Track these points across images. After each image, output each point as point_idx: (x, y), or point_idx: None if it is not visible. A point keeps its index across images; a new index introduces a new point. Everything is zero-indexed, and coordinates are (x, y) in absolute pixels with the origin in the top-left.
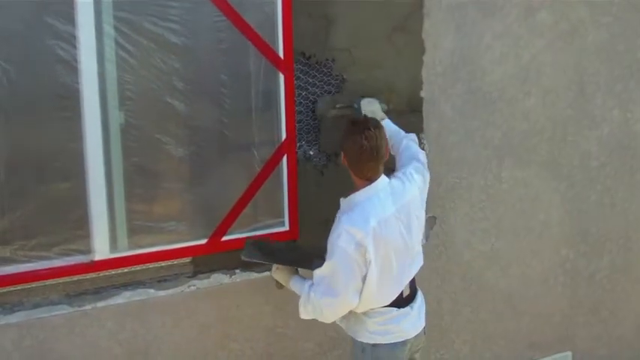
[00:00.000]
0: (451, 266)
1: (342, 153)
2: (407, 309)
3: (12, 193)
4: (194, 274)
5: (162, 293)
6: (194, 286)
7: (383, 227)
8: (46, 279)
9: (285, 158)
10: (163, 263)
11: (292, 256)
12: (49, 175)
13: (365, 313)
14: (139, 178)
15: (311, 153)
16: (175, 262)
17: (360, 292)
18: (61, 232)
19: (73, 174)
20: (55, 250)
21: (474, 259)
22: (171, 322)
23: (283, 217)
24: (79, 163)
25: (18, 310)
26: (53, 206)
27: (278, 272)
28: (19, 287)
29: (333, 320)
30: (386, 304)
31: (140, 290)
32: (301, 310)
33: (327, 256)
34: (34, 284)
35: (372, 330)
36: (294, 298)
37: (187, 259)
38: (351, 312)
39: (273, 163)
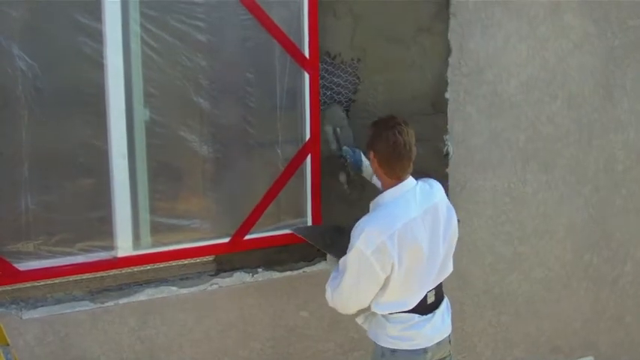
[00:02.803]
0: (473, 269)
1: (371, 153)
2: (429, 316)
3: (36, 189)
4: (216, 273)
5: (184, 291)
6: (216, 284)
7: (408, 230)
8: (69, 275)
9: (309, 157)
10: (186, 261)
11: (332, 241)
12: (73, 171)
13: (387, 318)
14: (162, 175)
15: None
16: (198, 260)
17: (378, 295)
18: (84, 228)
19: (98, 170)
20: (78, 247)
21: (496, 262)
22: (193, 320)
23: (306, 216)
24: (103, 160)
25: (41, 306)
26: (77, 203)
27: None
28: (42, 283)
29: (349, 313)
30: (407, 310)
31: (162, 288)
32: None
33: (347, 253)
34: (57, 280)
35: (392, 335)
36: (316, 297)
37: (210, 258)
38: (373, 314)
39: (296, 162)
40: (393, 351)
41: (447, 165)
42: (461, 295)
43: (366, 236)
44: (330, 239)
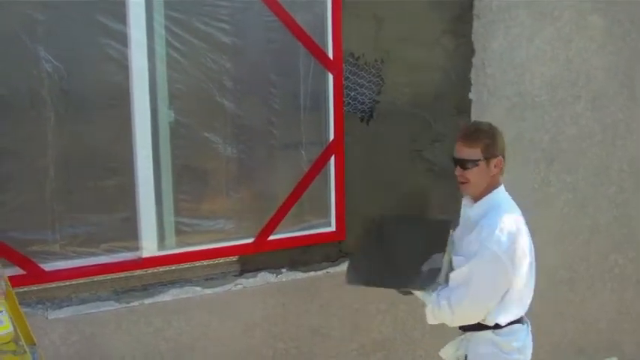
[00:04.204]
0: None
1: (498, 158)
2: (527, 322)
3: (62, 190)
4: (241, 273)
5: (208, 291)
6: (240, 284)
7: (523, 225)
8: (94, 275)
9: (332, 158)
10: (210, 261)
11: (393, 275)
12: (98, 172)
13: (496, 333)
14: (187, 176)
15: None
16: (222, 261)
17: (501, 299)
18: (109, 229)
19: (122, 171)
20: (103, 247)
21: None
22: (217, 320)
23: (330, 217)
24: (128, 161)
25: (66, 306)
26: (102, 203)
27: None
28: (67, 283)
29: (466, 323)
30: (514, 319)
31: (187, 288)
32: (429, 316)
33: (474, 258)
34: (82, 280)
35: (507, 350)
36: (339, 298)
37: (234, 258)
38: (468, 339)
39: (320, 163)
40: None
41: None
42: None
43: (498, 238)
44: (390, 272)
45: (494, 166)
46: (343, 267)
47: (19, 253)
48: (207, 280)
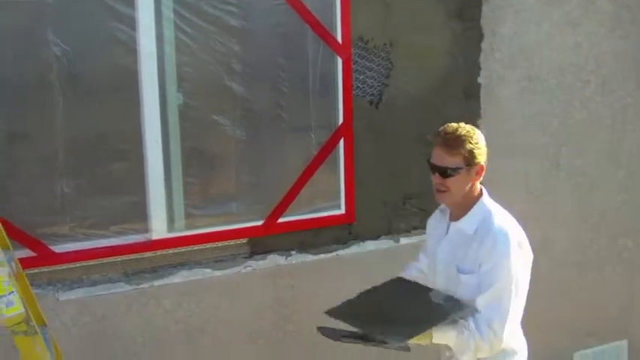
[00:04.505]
0: None
1: (480, 165)
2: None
3: (71, 172)
4: (250, 255)
5: (218, 273)
6: (250, 267)
7: None
8: (104, 257)
9: (342, 142)
10: (220, 244)
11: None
12: (107, 154)
13: (515, 350)
14: (196, 159)
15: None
16: (232, 243)
17: None
18: (119, 211)
19: (132, 154)
20: (113, 229)
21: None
22: (227, 302)
23: (339, 200)
24: (137, 144)
25: (77, 287)
26: (111, 186)
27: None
28: (78, 265)
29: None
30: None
31: (197, 270)
32: (471, 355)
33: (496, 272)
34: (92, 262)
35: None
36: (349, 280)
37: (244, 240)
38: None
39: (329, 147)
40: None
41: None
42: None
43: (512, 242)
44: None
45: (476, 174)
46: (353, 249)
47: (29, 236)
48: (216, 262)
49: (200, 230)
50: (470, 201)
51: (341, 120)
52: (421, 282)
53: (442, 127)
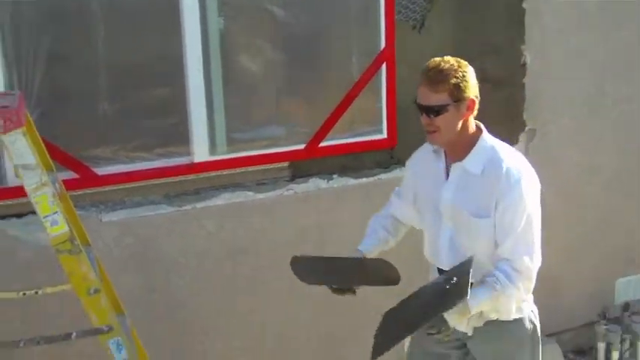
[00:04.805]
0: (548, 178)
1: (470, 99)
2: None
3: (114, 95)
4: (292, 179)
5: (260, 196)
6: (292, 190)
7: None
8: (147, 179)
9: (384, 66)
10: (262, 167)
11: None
12: (150, 79)
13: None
14: (237, 83)
15: None
16: (274, 166)
17: None
18: (161, 134)
19: (174, 78)
20: (155, 152)
21: (571, 171)
22: (269, 225)
23: (381, 124)
24: (179, 67)
25: (120, 209)
26: (154, 109)
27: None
28: (121, 187)
29: None
30: None
31: (239, 193)
32: (514, 304)
33: (513, 209)
34: (135, 184)
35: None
36: None
37: (286, 164)
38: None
39: (372, 71)
40: (533, 311)
41: (524, 75)
42: None
43: (525, 176)
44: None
45: (467, 109)
46: (395, 174)
47: (72, 158)
48: (259, 185)
49: (242, 153)
50: (468, 139)
51: (383, 44)
52: (381, 248)
53: (430, 60)
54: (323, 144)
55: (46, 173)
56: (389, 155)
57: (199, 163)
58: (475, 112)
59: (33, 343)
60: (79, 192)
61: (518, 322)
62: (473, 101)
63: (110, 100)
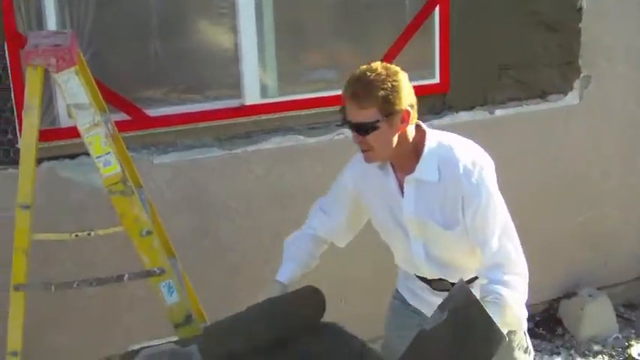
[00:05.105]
0: (607, 118)
1: (404, 110)
2: None
3: (166, 37)
4: (343, 123)
5: (311, 140)
6: (343, 134)
7: None
8: (198, 121)
9: (437, 9)
10: (313, 110)
11: None
12: (202, 19)
13: None
14: (290, 25)
15: None
16: (325, 110)
17: None
18: (213, 76)
19: (226, 19)
20: (207, 94)
21: (629, 119)
22: (319, 169)
23: (434, 69)
24: (231, 9)
25: (171, 151)
26: (206, 50)
27: None
28: (172, 129)
29: None
30: None
31: (290, 136)
32: (521, 310)
33: (489, 217)
34: (186, 126)
35: None
36: None
37: (337, 108)
38: None
39: (424, 14)
40: None
41: (580, 20)
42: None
43: (486, 168)
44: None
45: (402, 122)
46: (447, 120)
47: (124, 99)
48: (309, 129)
49: (293, 96)
50: (411, 148)
51: None
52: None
53: (354, 72)
54: None
55: (99, 113)
56: (441, 101)
57: (250, 106)
58: (413, 122)
59: (86, 284)
60: (131, 134)
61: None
62: (407, 112)
63: (162, 40)
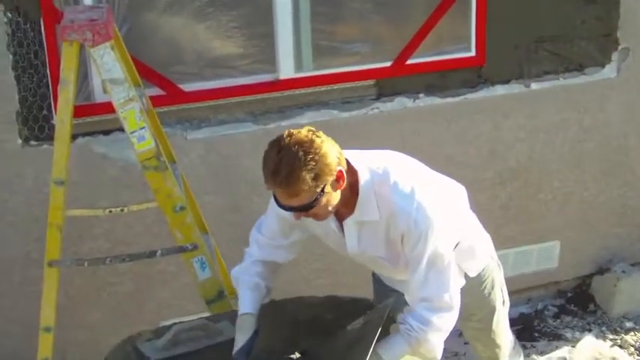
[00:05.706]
0: None
1: (334, 176)
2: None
3: (201, 12)
4: (377, 97)
5: (345, 115)
6: (377, 108)
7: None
8: (232, 97)
9: None
10: (347, 85)
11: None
12: None
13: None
14: None
15: None
16: (359, 85)
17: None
18: (247, 51)
19: None
20: (241, 69)
21: None
22: (353, 144)
23: (470, 41)
24: None
25: (205, 127)
26: (241, 25)
27: None
28: (205, 104)
29: None
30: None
31: (324, 111)
32: (439, 345)
33: (424, 252)
34: (220, 101)
35: None
36: (476, 125)
37: (371, 82)
38: None
39: None
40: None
41: None
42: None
43: (425, 200)
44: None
45: (337, 182)
46: (482, 93)
47: (158, 74)
48: (344, 103)
49: (328, 70)
50: (348, 194)
51: None
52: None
53: (267, 160)
54: (410, 61)
55: (134, 88)
56: (476, 74)
57: (285, 80)
58: (346, 181)
59: (118, 260)
60: (165, 109)
61: (478, 277)
62: (340, 173)
63: (196, 15)
